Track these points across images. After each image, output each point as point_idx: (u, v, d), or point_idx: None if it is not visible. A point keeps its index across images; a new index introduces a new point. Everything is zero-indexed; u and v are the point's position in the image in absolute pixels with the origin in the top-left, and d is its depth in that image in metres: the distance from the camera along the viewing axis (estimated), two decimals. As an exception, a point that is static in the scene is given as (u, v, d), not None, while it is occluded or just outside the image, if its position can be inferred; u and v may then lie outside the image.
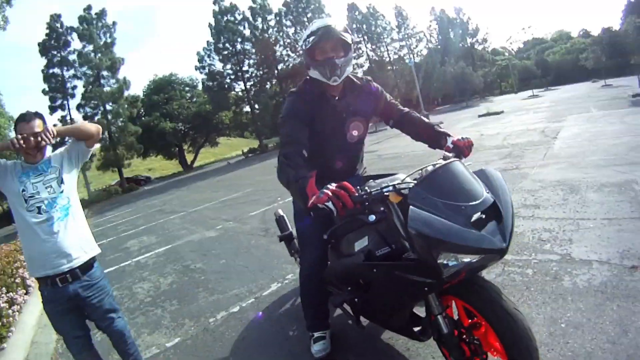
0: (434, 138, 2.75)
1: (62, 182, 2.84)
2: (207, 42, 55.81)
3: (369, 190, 1.98)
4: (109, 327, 3.00)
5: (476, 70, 67.14)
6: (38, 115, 2.82)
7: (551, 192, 6.07)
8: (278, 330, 3.58)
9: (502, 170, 8.00)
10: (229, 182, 21.48)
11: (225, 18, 54.57)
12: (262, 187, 14.59)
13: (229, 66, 55.33)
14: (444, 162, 2.04)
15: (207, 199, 15.40)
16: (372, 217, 1.99)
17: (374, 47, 64.00)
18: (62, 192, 2.83)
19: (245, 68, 55.57)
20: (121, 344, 3.09)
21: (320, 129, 2.67)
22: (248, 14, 56.17)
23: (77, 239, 2.84)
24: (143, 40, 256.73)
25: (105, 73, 44.29)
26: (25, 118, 2.75)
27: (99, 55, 43.62)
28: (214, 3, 54.83)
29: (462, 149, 2.52)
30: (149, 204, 20.16)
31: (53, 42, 43.35)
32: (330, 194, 1.87)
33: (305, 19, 55.85)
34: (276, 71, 56.16)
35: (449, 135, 2.64)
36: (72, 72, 43.80)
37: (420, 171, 2.16)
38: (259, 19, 56.41)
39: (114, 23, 46.92)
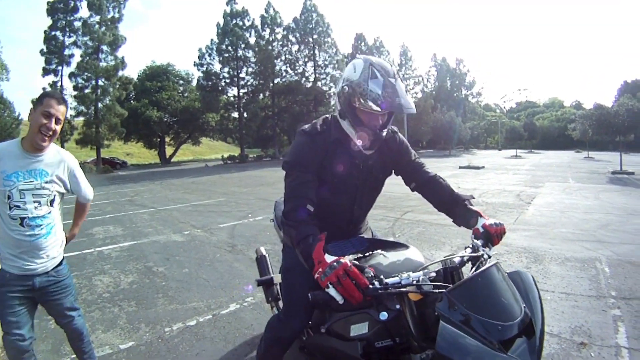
0: (462, 214, 2.38)
1: (52, 202, 2.79)
2: (211, 40, 55.73)
3: (385, 283, 1.70)
4: (68, 325, 2.99)
5: (465, 121, 68.32)
6: (65, 101, 2.74)
7: (515, 258, 6.35)
8: (232, 353, 3.66)
9: (471, 229, 8.19)
10: (203, 186, 21.46)
11: (234, 21, 54.63)
12: (235, 199, 14.69)
13: (226, 69, 55.33)
14: (482, 268, 1.68)
15: (179, 200, 15.40)
16: (385, 315, 1.75)
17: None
18: (49, 212, 2.77)
19: (242, 75, 55.64)
20: (77, 342, 3.08)
21: (329, 179, 2.30)
22: (257, 22, 56.25)
23: (54, 247, 2.83)
24: (148, 21, 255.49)
25: (105, 48, 43.67)
26: (56, 96, 2.66)
27: (104, 28, 43.06)
28: (227, 4, 54.93)
29: (493, 237, 2.17)
30: (121, 192, 19.96)
31: (62, 5, 42.35)
32: (335, 279, 1.64)
33: (310, 39, 56.34)
34: (271, 84, 56.34)
35: (481, 216, 2.27)
36: (73, 39, 42.93)
37: (442, 263, 1.89)
38: (267, 30, 56.59)
39: None
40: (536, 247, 6.87)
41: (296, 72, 57.21)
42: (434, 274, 1.83)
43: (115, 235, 9.15)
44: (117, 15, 45.17)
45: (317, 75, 57.89)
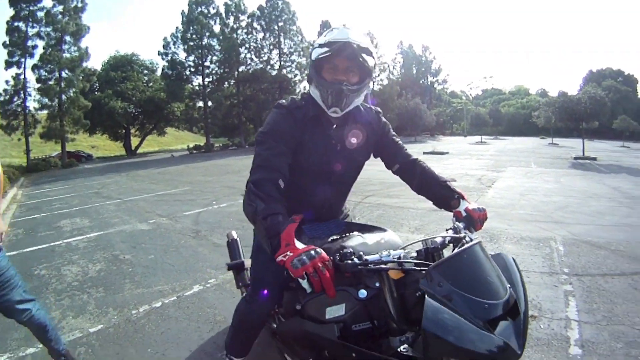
0: (443, 197, 2.35)
1: None
2: (176, 28, 55.42)
3: (365, 259, 1.64)
4: (29, 321, 2.94)
5: (431, 108, 69.01)
6: None
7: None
8: (195, 329, 3.90)
9: (431, 210, 8.61)
10: (169, 176, 21.54)
11: (199, 9, 54.25)
12: (200, 188, 14.92)
13: (191, 58, 54.99)
14: (467, 245, 1.64)
15: (145, 190, 15.51)
16: (364, 293, 1.69)
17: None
18: None
19: (207, 63, 55.36)
20: (43, 334, 3.08)
21: (306, 159, 2.17)
22: (222, 9, 55.85)
23: None
24: (111, 11, 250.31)
25: (68, 38, 42.61)
26: None
27: (67, 18, 41.96)
28: (192, -9, 54.21)
29: (475, 222, 2.19)
30: (87, 185, 19.93)
31: (25, -7, 41.16)
32: (312, 270, 1.52)
33: (275, 27, 56.11)
34: (236, 73, 56.08)
35: (463, 199, 2.29)
36: (36, 30, 41.65)
37: (423, 242, 1.87)
38: (232, 17, 56.24)
39: None
40: (493, 228, 7.15)
41: (261, 60, 56.98)
42: (414, 254, 1.83)
43: (82, 226, 9.27)
44: (80, 5, 43.97)
45: (282, 63, 57.72)
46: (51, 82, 41.73)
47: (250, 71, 56.56)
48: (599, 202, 9.83)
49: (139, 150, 64.34)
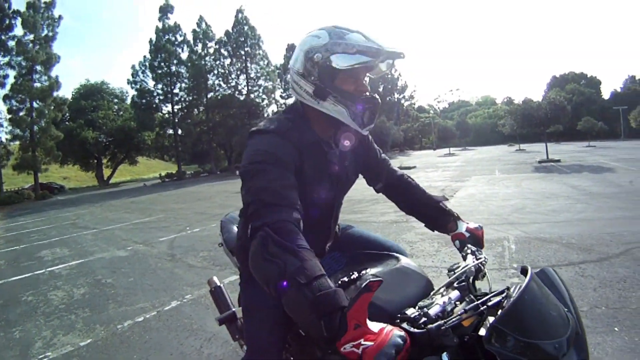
0: (436, 217, 2.17)
1: None
2: (144, 57, 55.82)
3: (435, 314, 1.36)
4: None
5: (399, 124, 70.11)
6: None
7: (428, 244, 7.11)
8: (174, 337, 4.39)
9: (392, 222, 9.29)
10: (143, 205, 21.85)
11: (166, 37, 54.78)
12: (173, 215, 15.34)
13: (160, 86, 55.27)
14: (524, 284, 1.36)
15: (120, 219, 15.82)
16: (446, 357, 1.28)
17: (305, 90, 64.76)
18: None
19: (175, 90, 55.80)
20: None
21: (309, 193, 1.77)
22: (190, 36, 56.48)
23: None
24: (81, 40, 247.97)
25: (39, 68, 42.31)
26: None
27: (37, 47, 41.90)
28: (159, 19, 55.06)
29: (480, 240, 2.02)
30: (62, 216, 20.13)
31: (-5, 23, 40.83)
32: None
33: (242, 52, 56.89)
34: (205, 99, 56.76)
35: (460, 219, 2.12)
36: (7, 59, 41.41)
37: (453, 274, 1.63)
38: (199, 44, 56.92)
39: (60, 17, 45.13)
40: None
41: (229, 85, 57.78)
42: (456, 292, 1.55)
43: (63, 256, 9.63)
44: (50, 34, 43.97)
45: (249, 88, 58.52)
46: (22, 113, 41.44)
47: (218, 97, 57.42)
48: (556, 201, 10.47)
49: (112, 180, 64.24)
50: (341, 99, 1.68)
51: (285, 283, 1.21)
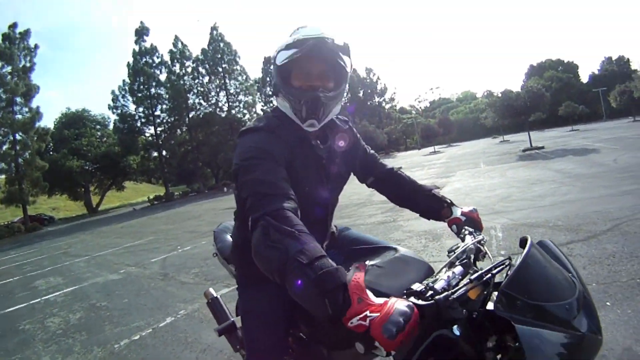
0: (429, 206, 2.15)
1: None
2: (123, 81, 55.86)
3: (442, 287, 1.33)
4: None
5: (382, 127, 70.47)
6: None
7: (415, 241, 7.28)
8: (170, 351, 4.52)
9: (380, 223, 9.48)
10: (133, 229, 21.93)
11: (144, 59, 54.98)
12: (163, 236, 15.42)
13: (141, 109, 55.47)
14: (526, 250, 1.36)
15: (111, 245, 15.89)
16: (458, 331, 1.23)
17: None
18: None
19: (157, 112, 56.04)
20: None
21: (301, 189, 1.70)
22: (167, 57, 56.77)
23: None
24: (59, 69, 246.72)
25: (19, 99, 42.47)
26: None
27: (16, 79, 41.85)
28: (136, 42, 55.30)
29: (477, 223, 2.04)
30: (54, 246, 20.18)
31: (-27, 58, 40.55)
32: (409, 334, 1.07)
33: (220, 69, 57.23)
34: (187, 119, 57.02)
35: (453, 204, 2.12)
36: None
37: (453, 254, 1.62)
38: (177, 64, 57.13)
39: (36, 46, 45.47)
40: (437, 228, 7.72)
41: (210, 103, 58.30)
42: (460, 267, 1.52)
43: (57, 284, 9.71)
44: (28, 65, 44.06)
45: (230, 104, 59.06)
46: (6, 146, 41.38)
47: (200, 116, 57.73)
48: (541, 187, 10.67)
49: (100, 207, 64.20)
50: (286, 95, 1.77)
51: (288, 266, 1.23)
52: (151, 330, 5.34)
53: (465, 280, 1.35)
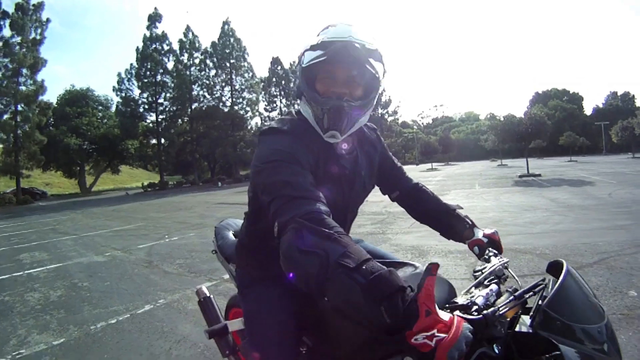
0: (452, 225, 2.05)
1: None
2: (130, 65, 55.61)
3: (483, 304, 1.29)
4: None
5: (383, 139, 70.66)
6: None
7: (401, 255, 7.14)
8: (145, 338, 4.54)
9: (368, 234, 9.47)
10: (124, 213, 21.89)
11: (153, 46, 54.66)
12: (153, 224, 15.42)
13: (145, 95, 55.09)
14: (565, 270, 1.35)
15: (101, 226, 15.90)
16: (498, 349, 1.27)
17: (288, 103, 65.50)
18: None
19: (160, 100, 55.58)
20: None
21: (320, 188, 1.49)
22: (176, 46, 56.52)
23: None
24: (68, 45, 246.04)
25: (25, 71, 42.20)
26: None
27: (24, 50, 41.68)
28: (147, 28, 54.96)
29: (499, 245, 1.96)
30: (43, 222, 20.11)
31: (-18, 23, 40.40)
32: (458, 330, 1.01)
33: (227, 64, 57.11)
34: (189, 109, 56.84)
35: (475, 226, 2.02)
36: None
37: (481, 274, 1.61)
38: (185, 55, 56.99)
39: (48, 20, 45.13)
40: (424, 245, 7.78)
41: (214, 97, 58.18)
42: (487, 290, 1.45)
43: (41, 259, 9.70)
44: (38, 37, 43.75)
45: (234, 99, 58.78)
46: (7, 116, 41.27)
47: (203, 108, 57.49)
48: (533, 214, 10.73)
49: (94, 188, 63.84)
50: (308, 99, 1.62)
51: (330, 272, 1.11)
52: (129, 315, 5.35)
53: (504, 299, 1.34)
